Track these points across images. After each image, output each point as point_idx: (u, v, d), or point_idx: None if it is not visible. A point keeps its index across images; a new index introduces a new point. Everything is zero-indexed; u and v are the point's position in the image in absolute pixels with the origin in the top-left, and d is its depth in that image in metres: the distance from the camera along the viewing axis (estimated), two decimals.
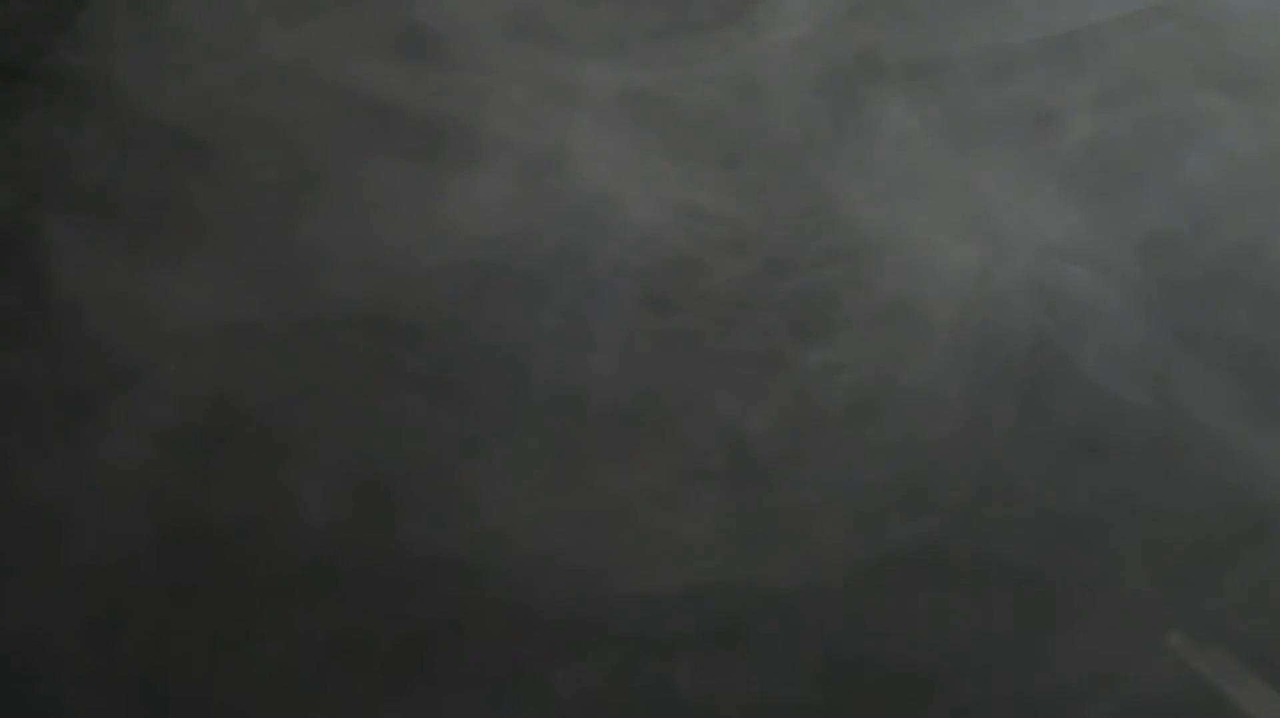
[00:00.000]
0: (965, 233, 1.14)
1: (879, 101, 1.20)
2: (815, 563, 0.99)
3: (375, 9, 1.23)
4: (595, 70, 1.21)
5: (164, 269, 1.10)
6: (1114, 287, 1.12)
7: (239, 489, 1.00)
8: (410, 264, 1.11)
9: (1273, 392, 1.07)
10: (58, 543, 0.98)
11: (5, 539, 0.97)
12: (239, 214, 1.13)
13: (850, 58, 1.22)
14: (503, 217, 1.14)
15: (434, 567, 0.98)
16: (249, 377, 1.05)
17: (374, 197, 1.14)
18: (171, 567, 0.97)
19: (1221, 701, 0.96)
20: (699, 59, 1.22)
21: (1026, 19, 1.24)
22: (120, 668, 0.93)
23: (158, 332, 1.07)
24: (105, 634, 0.94)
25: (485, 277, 1.11)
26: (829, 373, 1.08)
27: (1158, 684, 0.96)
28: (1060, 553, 1.00)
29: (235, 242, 1.11)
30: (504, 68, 1.21)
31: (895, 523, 1.01)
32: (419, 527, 0.99)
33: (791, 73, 1.22)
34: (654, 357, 1.08)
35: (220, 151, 1.15)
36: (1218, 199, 1.16)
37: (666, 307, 1.10)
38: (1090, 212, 1.15)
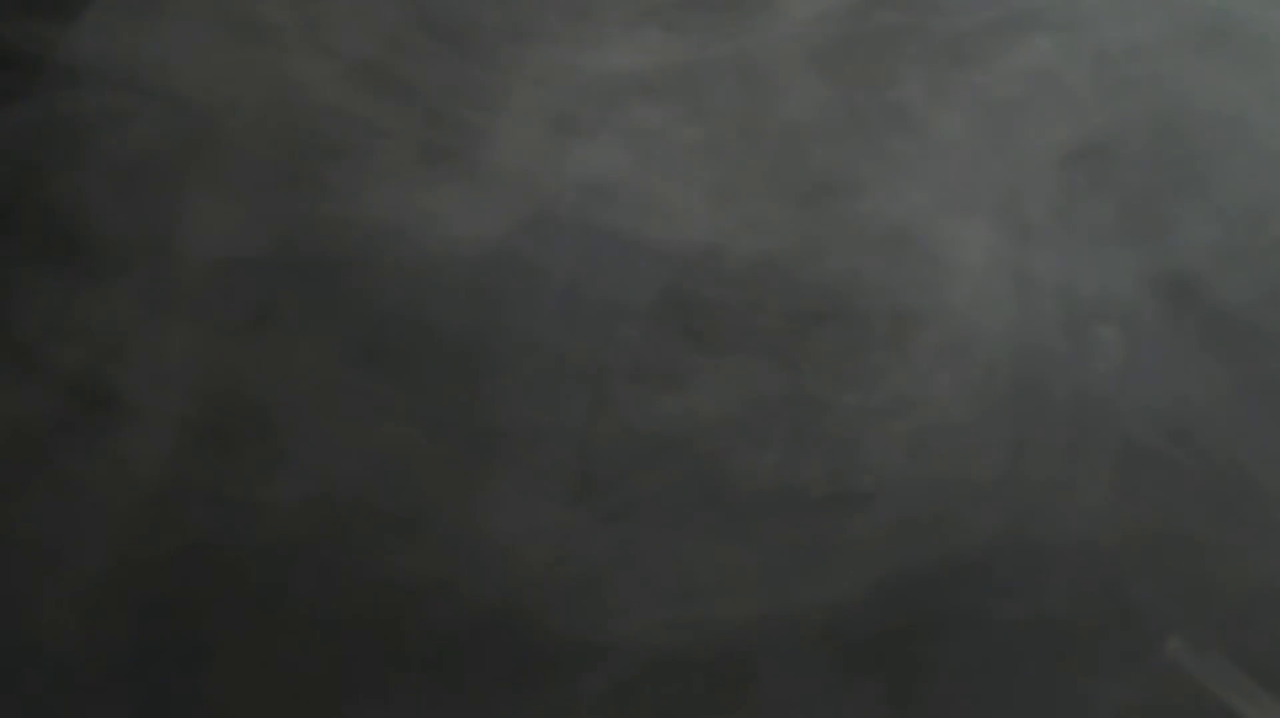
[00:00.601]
0: (981, 215, 1.14)
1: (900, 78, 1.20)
2: (830, 598, 0.99)
3: None
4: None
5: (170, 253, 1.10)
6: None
7: (236, 500, 1.00)
8: (416, 251, 1.11)
9: None
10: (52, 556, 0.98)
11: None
12: (247, 199, 1.12)
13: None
14: (516, 196, 1.13)
15: (438, 586, 0.98)
16: (251, 375, 1.05)
17: (385, 177, 1.13)
18: (165, 582, 0.97)
19: (1221, 707, 0.96)
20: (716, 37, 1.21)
21: None
22: (112, 681, 0.94)
23: (158, 322, 1.07)
24: (100, 646, 0.95)
25: (495, 266, 1.10)
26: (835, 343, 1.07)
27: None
28: (1091, 600, 0.99)
29: (242, 227, 1.11)
30: (522, 42, 1.20)
31: (916, 565, 1.00)
32: (421, 545, 0.99)
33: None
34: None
35: (227, 137, 1.15)
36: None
37: (685, 299, 1.09)
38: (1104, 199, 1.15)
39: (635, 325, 1.08)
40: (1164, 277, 1.11)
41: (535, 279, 1.10)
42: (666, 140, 1.16)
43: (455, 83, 1.18)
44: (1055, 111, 1.18)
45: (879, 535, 1.00)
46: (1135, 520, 1.02)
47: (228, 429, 1.03)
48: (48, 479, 1.00)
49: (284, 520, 0.99)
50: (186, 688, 0.93)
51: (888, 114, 1.18)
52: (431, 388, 1.05)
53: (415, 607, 0.97)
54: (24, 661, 0.94)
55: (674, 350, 1.07)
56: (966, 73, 1.20)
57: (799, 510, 1.01)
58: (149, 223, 1.11)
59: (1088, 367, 1.07)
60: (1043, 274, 1.11)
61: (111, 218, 1.11)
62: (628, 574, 0.98)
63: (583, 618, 0.96)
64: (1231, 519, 1.02)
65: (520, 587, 0.97)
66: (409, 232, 1.11)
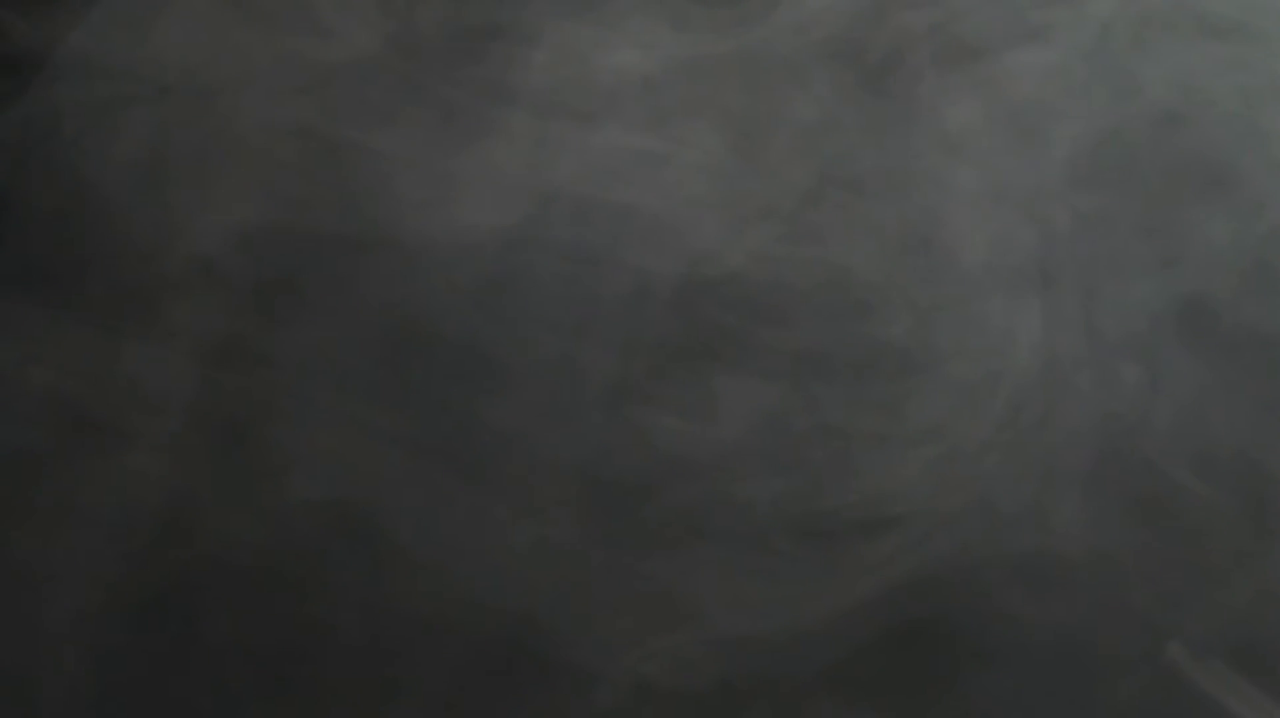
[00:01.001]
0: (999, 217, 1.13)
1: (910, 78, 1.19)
2: (840, 626, 0.98)
3: None
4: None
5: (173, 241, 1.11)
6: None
7: (237, 508, 1.00)
8: (424, 247, 1.11)
9: None
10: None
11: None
12: (246, 197, 1.13)
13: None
14: (523, 182, 1.13)
15: (439, 605, 0.98)
16: (250, 376, 1.05)
17: (387, 178, 1.14)
18: (167, 592, 0.97)
19: (1220, 712, 0.95)
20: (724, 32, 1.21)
21: None
22: (115, 693, 0.94)
23: (159, 316, 1.07)
24: (104, 657, 0.95)
25: (497, 273, 1.10)
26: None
27: None
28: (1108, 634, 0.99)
29: (241, 226, 1.11)
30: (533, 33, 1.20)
31: (930, 593, 0.99)
32: (422, 562, 0.99)
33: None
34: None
35: (229, 127, 1.15)
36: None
37: (692, 305, 1.09)
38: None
39: (643, 333, 1.08)
40: (1183, 286, 1.10)
41: (539, 286, 1.10)
42: (676, 143, 1.16)
43: (460, 80, 1.18)
44: (1071, 110, 1.17)
45: (893, 563, 1.00)
46: (1150, 543, 1.01)
47: (228, 434, 1.03)
48: (47, 484, 1.01)
49: (284, 528, 0.99)
50: (188, 699, 0.94)
51: (899, 115, 1.18)
52: (435, 403, 1.05)
53: (416, 625, 0.96)
54: (30, 673, 0.94)
55: (681, 358, 1.07)
56: (980, 70, 1.19)
57: (811, 536, 1.01)
58: (147, 221, 1.11)
59: (1108, 384, 1.06)
60: (1065, 284, 1.10)
61: (110, 215, 1.11)
62: (634, 598, 0.98)
63: (587, 640, 0.96)
64: (1252, 544, 1.01)
65: (523, 607, 0.97)
66: (411, 235, 1.11)
